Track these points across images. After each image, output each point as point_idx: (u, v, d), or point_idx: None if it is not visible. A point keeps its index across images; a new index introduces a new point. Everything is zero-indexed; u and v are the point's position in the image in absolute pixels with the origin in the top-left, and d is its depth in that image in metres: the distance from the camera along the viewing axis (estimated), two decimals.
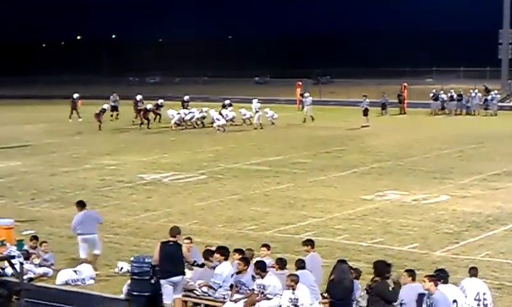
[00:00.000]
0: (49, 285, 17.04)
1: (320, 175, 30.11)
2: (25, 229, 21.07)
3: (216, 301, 14.58)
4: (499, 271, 17.55)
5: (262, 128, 47.16)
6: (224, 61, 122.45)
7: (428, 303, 12.11)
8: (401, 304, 12.45)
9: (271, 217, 23.02)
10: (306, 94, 54.71)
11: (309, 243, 15.25)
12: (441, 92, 59.48)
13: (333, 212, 23.61)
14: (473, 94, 57.44)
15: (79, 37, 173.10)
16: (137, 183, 29.08)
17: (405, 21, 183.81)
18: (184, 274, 14.46)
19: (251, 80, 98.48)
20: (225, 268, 14.62)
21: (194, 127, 47.92)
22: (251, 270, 14.33)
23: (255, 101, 49.83)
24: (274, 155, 35.58)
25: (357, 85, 74.67)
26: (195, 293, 14.85)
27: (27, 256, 17.42)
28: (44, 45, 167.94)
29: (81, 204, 17.92)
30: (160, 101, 51.45)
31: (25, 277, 15.78)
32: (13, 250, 17.39)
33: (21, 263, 15.55)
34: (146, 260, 14.76)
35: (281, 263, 14.50)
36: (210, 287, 14.68)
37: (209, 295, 14.71)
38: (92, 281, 17.14)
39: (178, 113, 48.52)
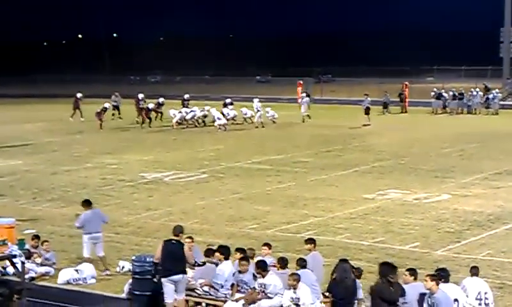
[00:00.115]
0: (51, 284, 17.06)
1: (322, 174, 30.11)
2: (26, 228, 21.07)
3: (217, 300, 14.59)
4: (500, 270, 17.55)
5: (263, 127, 47.16)
6: (225, 60, 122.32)
7: (430, 302, 12.10)
8: (403, 303, 12.44)
9: (273, 216, 23.02)
10: (303, 94, 54.69)
11: (311, 242, 15.26)
12: (443, 91, 59.53)
13: (334, 211, 23.60)
14: (474, 93, 57.44)
15: (80, 36, 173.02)
16: (138, 182, 29.08)
17: (406, 20, 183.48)
18: (185, 272, 14.46)
19: (252, 79, 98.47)
20: (226, 268, 14.63)
21: (196, 126, 47.94)
22: (252, 269, 14.35)
23: (256, 100, 49.85)
24: (276, 154, 35.58)
25: (358, 84, 74.63)
26: (196, 293, 14.86)
27: (28, 255, 17.40)
28: (45, 44, 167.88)
29: (88, 203, 17.93)
30: (161, 100, 51.46)
31: (26, 276, 15.79)
32: (15, 249, 17.36)
33: (22, 263, 15.54)
34: (148, 259, 14.78)
35: (282, 262, 14.51)
36: (212, 286, 14.69)
37: (211, 295, 14.72)
38: (93, 280, 17.15)
39: (180, 112, 48.54)
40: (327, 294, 13.60)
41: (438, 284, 12.21)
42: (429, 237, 20.47)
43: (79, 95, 54.23)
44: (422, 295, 12.34)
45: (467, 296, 13.01)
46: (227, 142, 40.26)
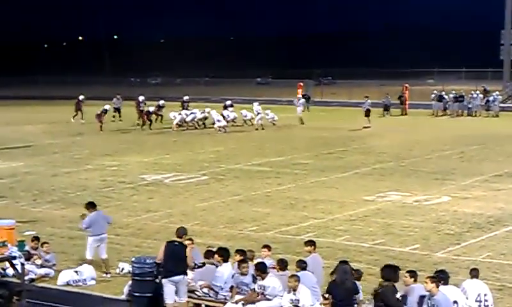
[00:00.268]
0: (50, 286, 17.04)
1: (322, 176, 30.11)
2: (26, 229, 21.06)
3: (216, 302, 14.59)
4: (500, 272, 17.54)
5: (263, 129, 47.17)
6: (226, 61, 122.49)
7: (430, 304, 12.10)
8: (403, 305, 12.44)
9: (272, 218, 23.02)
10: (299, 96, 54.59)
11: (311, 244, 15.25)
12: (443, 93, 59.55)
13: (334, 213, 23.60)
14: (474, 95, 57.46)
15: (80, 37, 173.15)
16: (138, 183, 29.08)
17: (406, 21, 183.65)
18: (185, 273, 14.45)
19: (252, 80, 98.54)
20: (225, 270, 14.64)
21: (196, 128, 47.95)
22: (251, 270, 14.36)
23: (255, 104, 49.79)
24: (276, 156, 35.58)
25: (359, 86, 74.64)
26: (196, 294, 14.87)
27: (28, 257, 17.42)
28: (46, 46, 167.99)
29: (92, 205, 17.93)
30: (161, 102, 51.45)
31: (26, 277, 15.77)
32: (14, 251, 17.39)
33: (22, 264, 15.55)
34: (148, 261, 14.76)
35: (282, 264, 14.51)
36: (212, 289, 14.69)
37: (210, 296, 14.72)
38: (93, 282, 17.13)
39: (180, 114, 48.55)
40: (326, 296, 13.60)
41: (438, 286, 12.21)
42: (429, 239, 20.47)
43: (81, 97, 54.24)
44: (422, 297, 12.33)
45: (467, 298, 13.01)
46: (227, 144, 40.27)
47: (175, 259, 14.28)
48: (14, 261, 15.84)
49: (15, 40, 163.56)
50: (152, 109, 49.60)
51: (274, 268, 14.56)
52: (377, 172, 31.12)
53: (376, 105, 53.07)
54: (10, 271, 16.34)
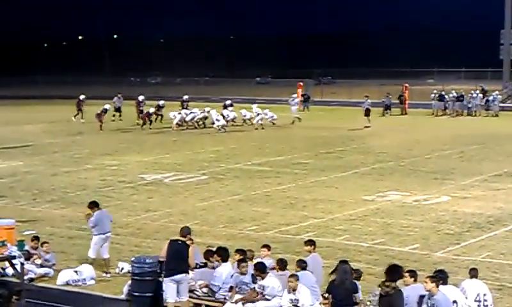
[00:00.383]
0: (50, 285, 17.03)
1: (322, 176, 30.12)
2: (26, 229, 21.06)
3: (216, 302, 14.59)
4: (500, 272, 17.54)
5: (262, 128, 47.17)
6: (226, 61, 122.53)
7: (429, 304, 12.09)
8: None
9: (272, 218, 23.02)
10: (294, 95, 54.52)
11: (311, 243, 15.26)
12: (443, 93, 59.55)
13: (334, 213, 23.60)
14: (474, 95, 57.48)
15: (80, 37, 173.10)
16: (138, 183, 29.08)
17: (406, 21, 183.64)
18: (187, 272, 14.45)
19: (252, 80, 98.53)
20: (224, 270, 14.64)
21: (196, 127, 47.96)
22: (251, 270, 14.36)
23: (254, 106, 49.66)
24: (276, 156, 35.59)
25: (358, 85, 74.65)
26: (196, 294, 14.87)
27: (28, 257, 17.42)
28: (45, 45, 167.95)
29: (96, 204, 17.94)
30: (161, 102, 51.41)
31: (25, 277, 15.78)
32: (14, 250, 17.39)
33: (22, 264, 15.55)
34: (147, 261, 14.77)
35: (281, 264, 14.52)
36: (210, 289, 14.69)
37: (210, 296, 14.72)
38: (93, 282, 17.13)
39: (180, 113, 48.55)
40: (326, 295, 13.60)
41: (437, 286, 12.20)
42: (428, 239, 20.47)
43: (81, 97, 54.22)
44: (422, 297, 12.32)
45: (466, 298, 13.01)
46: (227, 144, 40.27)
47: (178, 258, 14.30)
48: (13, 261, 15.85)
49: (15, 40, 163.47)
50: (152, 110, 49.55)
51: (274, 268, 14.56)
52: (377, 172, 31.12)
53: (375, 105, 53.06)
54: (10, 271, 16.35)
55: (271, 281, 13.95)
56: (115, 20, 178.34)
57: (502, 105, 58.84)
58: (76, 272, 17.21)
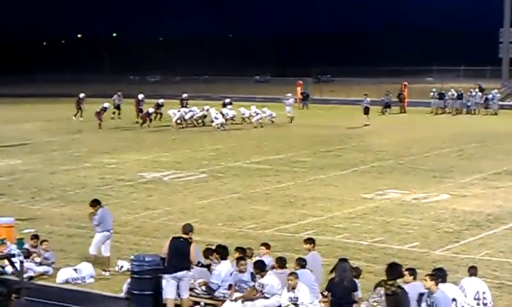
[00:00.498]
0: (49, 284, 17.02)
1: (321, 174, 30.11)
2: (25, 227, 21.05)
3: (215, 300, 14.59)
4: (499, 270, 17.54)
5: (262, 126, 47.17)
6: (225, 59, 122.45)
7: (429, 302, 12.09)
8: None
9: (271, 216, 23.01)
10: (289, 95, 54.46)
11: (310, 241, 15.26)
12: (443, 91, 59.55)
13: (333, 211, 23.60)
14: (473, 94, 57.48)
15: (79, 35, 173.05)
16: (137, 181, 29.07)
17: (406, 21, 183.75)
18: (188, 269, 14.44)
19: (251, 79, 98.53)
20: (223, 268, 14.63)
21: (195, 125, 47.94)
22: (250, 268, 14.35)
23: (253, 107, 49.51)
24: (275, 154, 35.58)
25: (357, 84, 74.66)
26: (195, 292, 14.86)
27: (27, 255, 17.40)
28: (44, 44, 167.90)
29: (98, 202, 17.93)
30: (161, 101, 51.36)
31: (25, 275, 15.77)
32: (13, 248, 17.36)
33: (21, 262, 15.54)
34: (146, 259, 14.75)
35: (281, 262, 14.52)
36: (209, 287, 14.68)
37: (209, 294, 14.71)
38: (92, 280, 17.12)
39: (179, 111, 48.52)
40: (326, 294, 13.60)
41: (437, 284, 12.20)
42: (427, 237, 20.47)
43: (81, 95, 54.18)
44: (421, 295, 12.32)
45: (465, 296, 13.01)
46: (226, 142, 40.25)
47: (179, 255, 14.30)
48: (13, 259, 15.83)
49: (14, 39, 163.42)
50: (151, 110, 49.45)
51: (274, 268, 14.55)
52: (376, 170, 31.12)
53: (374, 103, 53.05)
54: (9, 269, 16.32)
55: (271, 279, 13.95)
56: (114, 19, 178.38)
57: (501, 103, 58.86)
58: (75, 270, 17.20)
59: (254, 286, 14.07)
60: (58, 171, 31.87)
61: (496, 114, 55.37)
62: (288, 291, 13.58)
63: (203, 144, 39.39)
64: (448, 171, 30.48)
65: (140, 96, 51.71)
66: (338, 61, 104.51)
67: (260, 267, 14.11)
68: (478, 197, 25.55)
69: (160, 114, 50.35)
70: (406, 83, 61.84)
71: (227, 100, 51.89)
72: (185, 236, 14.67)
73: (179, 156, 35.56)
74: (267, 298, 13.90)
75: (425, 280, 12.20)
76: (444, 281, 12.88)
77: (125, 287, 15.36)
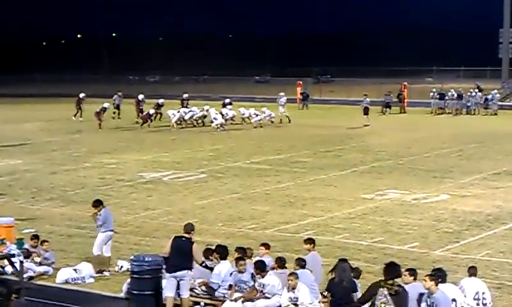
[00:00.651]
0: (49, 284, 17.01)
1: (321, 174, 30.11)
2: (25, 227, 21.05)
3: (215, 300, 14.58)
4: (499, 270, 17.54)
5: (261, 127, 47.17)
6: (225, 59, 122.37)
7: (429, 303, 12.08)
8: None
9: (271, 216, 23.01)
10: (281, 94, 54.45)
11: (310, 242, 15.26)
12: (442, 91, 59.58)
13: (333, 211, 23.60)
14: (473, 94, 57.50)
15: (79, 35, 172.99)
16: (137, 181, 29.07)
17: (405, 20, 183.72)
18: (189, 269, 14.43)
19: (251, 79, 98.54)
20: (223, 268, 14.63)
21: (194, 126, 47.94)
22: (250, 268, 14.34)
23: (251, 109, 49.49)
24: (275, 154, 35.59)
25: (357, 84, 74.68)
26: (195, 292, 14.86)
27: (27, 255, 17.40)
28: (44, 44, 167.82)
29: (100, 202, 17.92)
30: (160, 101, 51.39)
31: (25, 275, 15.76)
32: (13, 248, 17.37)
33: (21, 262, 15.53)
34: (146, 259, 14.74)
35: (280, 262, 14.52)
36: (209, 286, 14.68)
37: (209, 294, 14.71)
38: (92, 280, 17.12)
39: (178, 112, 48.52)
40: (325, 294, 13.60)
41: (437, 285, 12.20)
42: (427, 237, 20.47)
43: (81, 95, 54.18)
44: (421, 295, 12.32)
45: (465, 296, 13.01)
46: (226, 142, 40.25)
47: (181, 254, 14.31)
48: (13, 259, 15.82)
49: (13, 38, 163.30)
50: (152, 111, 49.42)
51: (274, 268, 14.55)
52: (376, 170, 31.12)
53: (374, 103, 53.05)
54: (9, 269, 16.31)
55: (271, 279, 13.95)
56: (114, 18, 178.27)
57: (500, 103, 58.90)
58: (75, 270, 17.19)
59: (254, 286, 14.07)
60: (58, 171, 31.87)
61: (496, 114, 55.41)
62: (288, 291, 13.58)
63: (203, 144, 39.40)
64: (448, 171, 30.48)
65: (140, 97, 51.73)
66: (338, 61, 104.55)
67: (261, 267, 14.11)
68: (478, 197, 25.55)
69: (160, 114, 50.36)
70: (405, 83, 61.85)
71: (227, 100, 51.89)
72: (187, 235, 14.68)
73: (179, 156, 35.56)
74: (268, 298, 13.90)
75: (425, 280, 12.19)
76: (444, 281, 12.87)
77: (124, 287, 15.36)
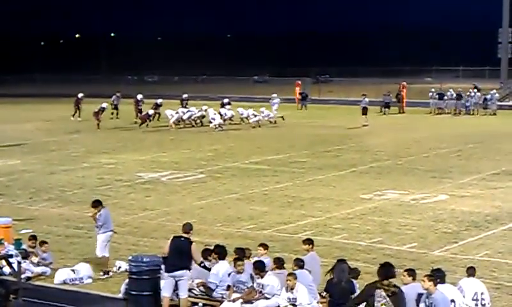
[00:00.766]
0: (47, 284, 16.99)
1: (319, 174, 30.09)
2: (23, 228, 21.01)
3: (213, 300, 14.55)
4: (498, 271, 17.52)
5: (259, 127, 47.15)
6: (223, 59, 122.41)
7: (428, 303, 12.06)
8: None
9: (270, 216, 22.99)
10: (274, 95, 54.31)
11: (309, 242, 15.23)
12: (441, 91, 59.58)
13: (331, 211, 23.58)
14: (472, 94, 57.49)
15: (77, 35, 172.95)
16: (135, 182, 29.04)
17: (405, 20, 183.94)
18: (188, 268, 14.40)
19: (250, 79, 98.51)
20: (221, 268, 14.60)
21: (193, 126, 47.91)
22: (249, 269, 14.32)
23: (250, 110, 49.46)
24: (273, 154, 35.56)
25: (356, 84, 74.70)
26: (193, 293, 14.83)
27: (25, 255, 17.37)
28: (43, 43, 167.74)
29: (100, 202, 17.90)
30: (159, 100, 51.36)
31: (23, 276, 15.75)
32: (11, 249, 17.33)
33: (19, 262, 15.51)
34: (145, 260, 14.72)
35: (279, 263, 14.49)
36: (208, 287, 14.65)
37: (207, 295, 14.68)
38: (90, 280, 17.10)
39: (177, 112, 48.48)
40: (324, 294, 13.58)
41: (435, 285, 12.18)
42: (426, 238, 20.45)
43: (80, 95, 54.14)
44: (420, 295, 12.30)
45: (464, 297, 12.99)
46: (224, 143, 40.23)
47: (179, 254, 14.29)
48: (11, 260, 15.80)
49: (13, 38, 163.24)
50: (151, 111, 49.37)
51: (273, 270, 14.51)
52: (374, 170, 31.10)
53: (373, 103, 53.04)
54: (7, 269, 16.29)
55: (271, 280, 13.92)
56: (113, 18, 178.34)
57: (499, 103, 58.89)
58: (73, 270, 17.17)
59: (252, 286, 14.04)
60: (56, 171, 31.84)
61: (495, 114, 55.40)
62: (287, 291, 13.56)
63: (202, 145, 39.37)
64: (447, 172, 30.47)
65: (139, 97, 51.69)
66: (337, 61, 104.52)
67: (260, 268, 14.08)
68: (476, 197, 25.54)
69: (159, 113, 50.33)
70: (404, 83, 61.80)
71: (226, 100, 51.87)
72: (185, 235, 14.66)
73: (177, 156, 35.53)
74: (268, 298, 13.87)
75: (424, 281, 12.17)
76: (442, 281, 12.85)
77: (123, 288, 15.35)
